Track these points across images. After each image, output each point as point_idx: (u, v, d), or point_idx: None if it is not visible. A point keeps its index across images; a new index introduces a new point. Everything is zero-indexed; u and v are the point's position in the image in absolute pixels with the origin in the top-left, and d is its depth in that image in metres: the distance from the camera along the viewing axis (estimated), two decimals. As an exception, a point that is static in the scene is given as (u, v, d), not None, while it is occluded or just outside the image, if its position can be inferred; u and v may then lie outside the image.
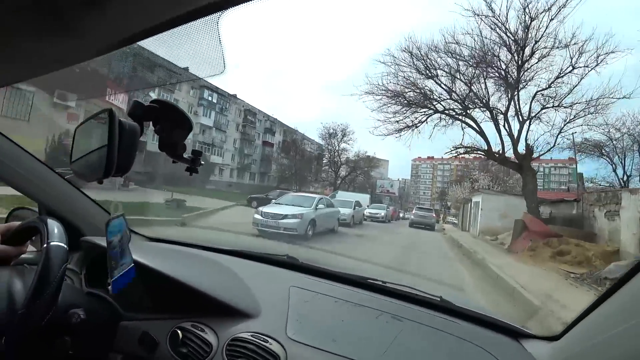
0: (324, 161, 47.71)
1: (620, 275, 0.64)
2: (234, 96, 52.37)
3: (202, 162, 0.76)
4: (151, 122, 0.68)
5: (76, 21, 0.40)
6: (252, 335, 0.91)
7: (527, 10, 11.32)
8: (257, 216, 8.68)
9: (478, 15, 11.63)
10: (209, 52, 0.54)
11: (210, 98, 45.48)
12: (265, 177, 52.27)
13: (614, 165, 18.44)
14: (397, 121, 13.95)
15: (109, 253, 0.82)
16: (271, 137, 57.52)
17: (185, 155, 0.73)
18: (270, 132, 58.45)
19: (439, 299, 1.17)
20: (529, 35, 11.72)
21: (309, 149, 47.95)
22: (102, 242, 0.96)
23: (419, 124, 13.90)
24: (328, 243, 8.17)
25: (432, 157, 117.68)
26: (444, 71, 13.19)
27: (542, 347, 0.94)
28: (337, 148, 46.96)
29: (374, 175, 60.00)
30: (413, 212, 21.38)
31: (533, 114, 12.34)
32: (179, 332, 0.96)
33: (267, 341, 0.89)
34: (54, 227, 0.78)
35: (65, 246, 0.77)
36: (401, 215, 37.75)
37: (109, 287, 0.82)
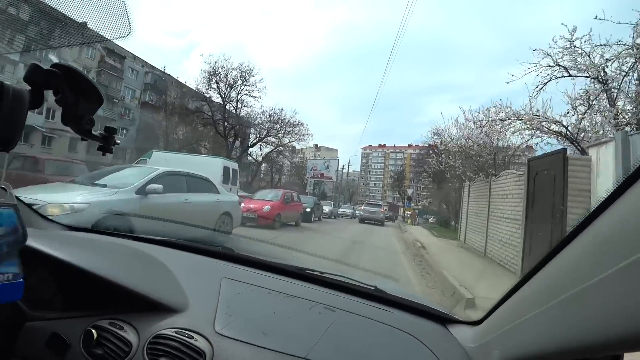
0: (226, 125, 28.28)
1: None
2: (83, 25, 32.00)
3: (118, 142, 0.69)
4: (52, 91, 0.58)
5: None
6: (176, 332, 0.82)
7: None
8: None
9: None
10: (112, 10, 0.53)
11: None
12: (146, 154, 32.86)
13: None
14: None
15: None
16: (156, 96, 38.03)
17: (95, 133, 0.64)
18: (154, 89, 38.76)
19: (373, 289, 1.16)
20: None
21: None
22: None
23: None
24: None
25: (384, 145, 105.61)
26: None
27: (465, 331, 0.95)
28: (232, 99, 28.34)
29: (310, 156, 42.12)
30: (362, 208, 20.38)
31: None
32: (94, 331, 0.85)
33: (192, 337, 0.81)
34: None
35: None
36: (327, 210, 20.22)
37: None
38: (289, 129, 29.89)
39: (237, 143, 28.98)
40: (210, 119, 26.67)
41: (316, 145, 46.20)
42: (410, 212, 22.15)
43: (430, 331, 0.98)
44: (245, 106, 28.19)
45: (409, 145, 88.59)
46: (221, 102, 27.15)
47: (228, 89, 26.98)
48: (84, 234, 1.39)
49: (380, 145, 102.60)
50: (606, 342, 0.42)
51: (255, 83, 27.52)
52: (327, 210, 19.99)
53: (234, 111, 27.93)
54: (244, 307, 0.97)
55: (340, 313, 0.98)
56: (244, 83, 27.20)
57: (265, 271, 1.21)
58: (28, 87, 0.56)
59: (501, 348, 0.71)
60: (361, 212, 20.08)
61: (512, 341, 0.68)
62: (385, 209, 25.39)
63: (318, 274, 1.22)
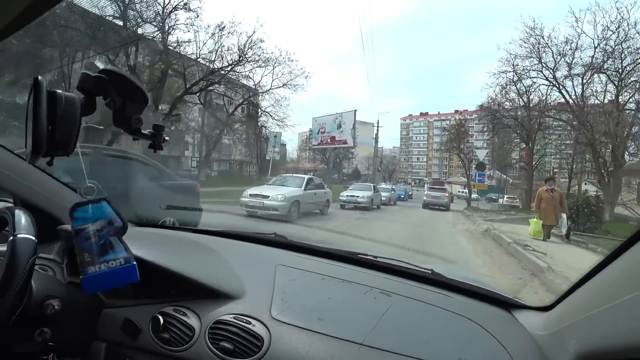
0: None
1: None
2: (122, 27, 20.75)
3: (167, 138, 0.70)
4: (102, 96, 0.60)
5: None
6: (234, 317, 0.85)
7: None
8: None
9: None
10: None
11: None
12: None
13: None
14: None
15: (78, 243, 0.69)
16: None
17: (144, 131, 0.66)
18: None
19: (430, 272, 1.08)
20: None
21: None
22: None
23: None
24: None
25: (426, 114, 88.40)
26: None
27: (534, 318, 0.87)
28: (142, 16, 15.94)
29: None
30: (425, 192, 18.76)
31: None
32: (160, 317, 0.90)
33: (250, 323, 0.83)
34: (21, 218, 0.72)
35: (33, 238, 0.70)
36: (278, 199, 7.45)
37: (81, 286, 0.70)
38: (258, 60, 16.89)
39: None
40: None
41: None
42: (552, 193, 7.40)
43: (493, 317, 0.91)
44: (174, 27, 15.53)
45: (456, 111, 71.37)
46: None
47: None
48: (148, 229, 1.44)
49: (422, 114, 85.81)
50: None
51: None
52: (278, 199, 6.89)
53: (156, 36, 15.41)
54: (298, 293, 0.96)
55: (396, 298, 0.95)
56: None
57: (318, 257, 1.19)
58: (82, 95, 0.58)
59: (578, 337, 0.64)
60: (424, 197, 18.27)
61: (592, 330, 0.61)
62: (450, 193, 20.85)
63: (372, 258, 1.16)
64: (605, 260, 0.61)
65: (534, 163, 18.86)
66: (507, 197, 26.62)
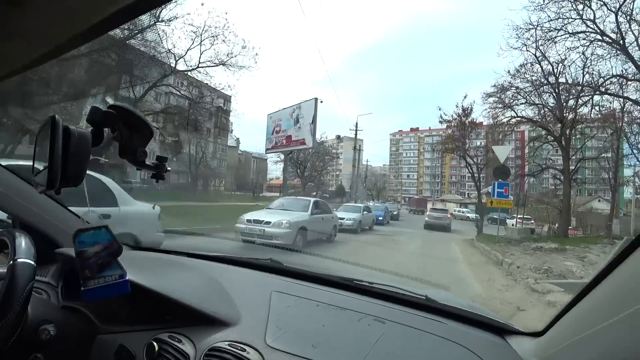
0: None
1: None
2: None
3: (169, 168, 0.72)
4: (109, 129, 0.63)
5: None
6: (229, 345, 0.84)
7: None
8: None
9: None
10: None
11: None
12: None
13: None
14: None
15: (81, 264, 0.71)
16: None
17: (148, 162, 0.68)
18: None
19: (424, 298, 1.08)
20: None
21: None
22: None
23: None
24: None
25: (417, 129, 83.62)
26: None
27: (526, 343, 0.88)
28: None
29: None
30: (427, 213, 19.52)
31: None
32: (155, 344, 0.89)
33: (244, 350, 0.82)
34: (22, 242, 0.74)
35: (33, 263, 0.72)
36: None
37: (83, 295, 0.72)
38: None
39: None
40: None
41: (338, 136, 37.57)
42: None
43: (486, 343, 0.91)
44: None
45: (448, 127, 66.75)
46: None
47: None
48: (146, 253, 1.46)
49: (412, 129, 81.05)
50: None
51: None
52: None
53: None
54: (293, 320, 0.96)
55: (390, 324, 0.94)
56: None
57: (313, 283, 1.18)
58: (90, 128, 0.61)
59: None
60: (426, 218, 17.90)
61: (579, 355, 0.62)
62: (452, 214, 21.28)
63: (367, 284, 1.15)
64: (590, 283, 0.61)
65: (571, 169, 12.90)
66: (519, 218, 20.51)
